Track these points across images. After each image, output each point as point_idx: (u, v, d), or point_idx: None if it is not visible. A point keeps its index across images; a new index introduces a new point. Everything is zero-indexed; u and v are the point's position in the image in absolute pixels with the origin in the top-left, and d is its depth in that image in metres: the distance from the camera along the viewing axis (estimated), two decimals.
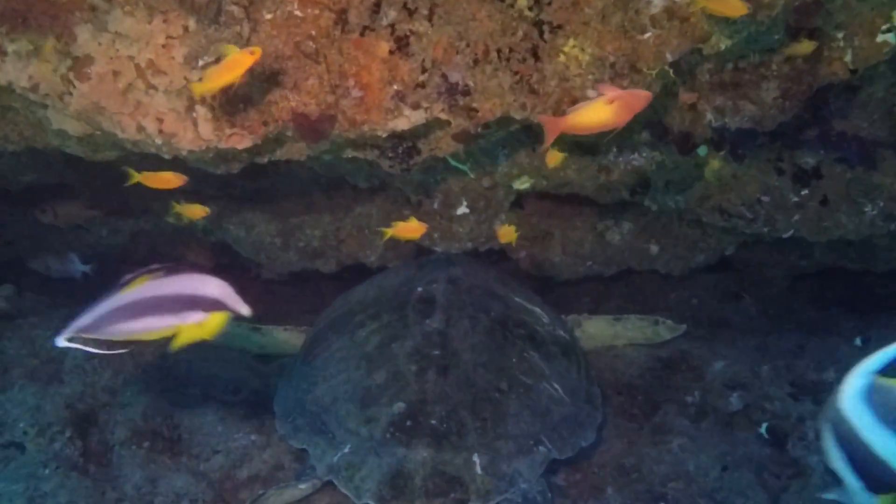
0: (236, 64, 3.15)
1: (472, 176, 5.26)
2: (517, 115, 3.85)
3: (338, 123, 3.67)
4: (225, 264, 7.72)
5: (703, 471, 5.05)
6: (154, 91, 3.47)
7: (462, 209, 5.54)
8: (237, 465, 4.98)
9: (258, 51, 3.14)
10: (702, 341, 6.01)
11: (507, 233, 5.06)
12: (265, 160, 4.15)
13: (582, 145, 4.99)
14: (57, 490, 4.72)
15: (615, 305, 6.75)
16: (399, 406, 4.53)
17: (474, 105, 3.76)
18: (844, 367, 5.48)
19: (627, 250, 6.09)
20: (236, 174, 4.98)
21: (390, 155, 4.16)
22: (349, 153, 4.26)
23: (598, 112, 3.20)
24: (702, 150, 4.86)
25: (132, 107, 3.48)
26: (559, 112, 3.72)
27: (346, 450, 4.52)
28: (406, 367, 4.70)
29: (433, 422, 4.44)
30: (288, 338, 5.87)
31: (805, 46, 4.23)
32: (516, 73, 3.41)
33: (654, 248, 6.06)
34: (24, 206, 7.49)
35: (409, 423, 4.45)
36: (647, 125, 4.59)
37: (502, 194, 5.50)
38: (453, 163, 5.12)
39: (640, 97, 3.18)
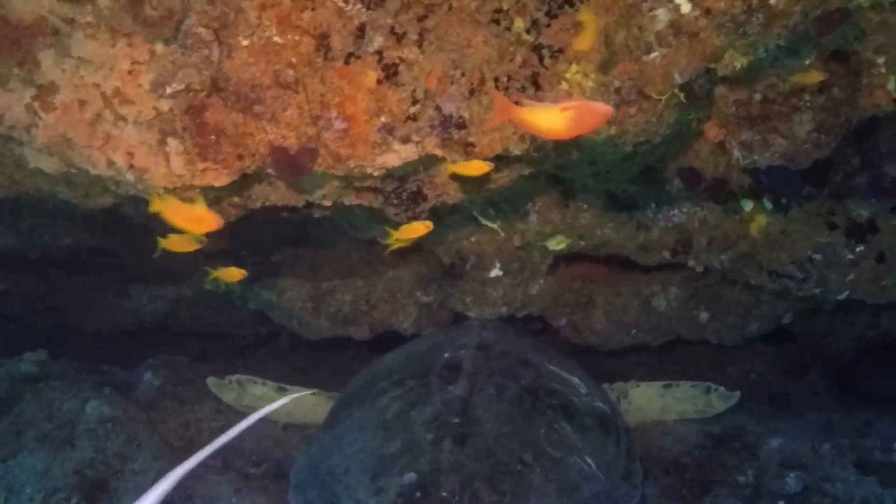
0: None
1: (501, 233, 4.97)
2: (517, 150, 3.55)
3: (320, 158, 3.42)
4: (265, 334, 7.58)
5: None
6: (123, 122, 3.28)
7: (495, 271, 5.26)
8: None
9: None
10: (758, 417, 5.56)
11: None
12: (257, 205, 3.90)
13: (618, 200, 4.69)
14: None
15: (668, 378, 6.33)
16: (410, 476, 4.19)
17: (471, 139, 3.48)
18: None
19: (675, 318, 5.69)
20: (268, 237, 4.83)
21: (395, 202, 3.89)
22: (350, 199, 4.00)
23: (550, 117, 2.93)
24: (745, 204, 4.50)
25: (101, 140, 3.30)
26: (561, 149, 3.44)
27: None
28: (422, 436, 4.39)
29: (444, 494, 4.07)
30: (316, 403, 5.59)
31: (812, 76, 3.83)
32: (516, 103, 3.12)
33: (705, 316, 5.65)
34: (67, 271, 7.47)
35: (418, 494, 4.10)
36: (678, 172, 4.24)
37: (538, 256, 5.20)
38: (482, 219, 4.86)
39: (597, 111, 2.88)
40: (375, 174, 3.57)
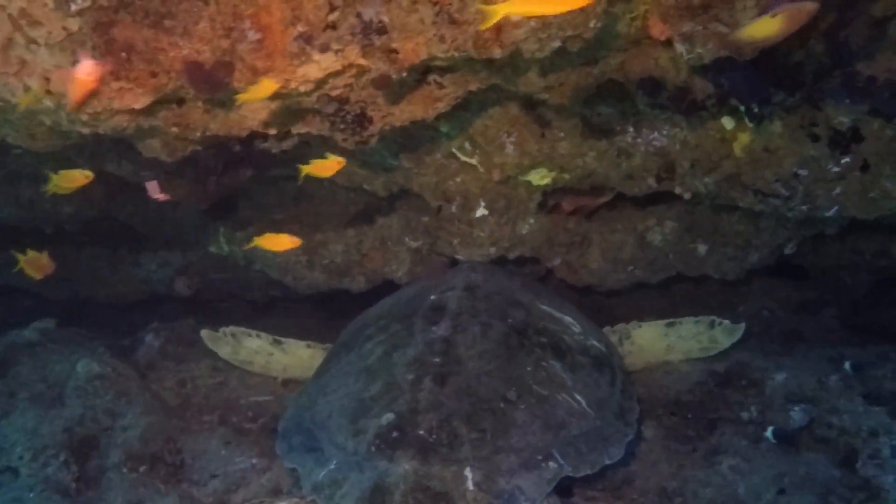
0: None
1: (480, 168, 4.83)
2: (439, 52, 3.39)
3: (238, 73, 3.30)
4: (276, 297, 7.52)
5: (754, 494, 4.41)
6: (36, 46, 3.18)
7: (481, 211, 5.13)
8: (232, 490, 4.67)
9: None
10: (764, 353, 5.35)
11: None
12: (197, 135, 3.78)
13: (594, 127, 4.51)
14: None
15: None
16: (388, 417, 4.13)
17: (393, 45, 3.33)
18: None
19: (672, 252, 5.47)
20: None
21: (341, 126, 3.76)
22: (297, 127, 3.88)
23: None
24: (727, 123, 4.29)
25: (16, 65, 3.20)
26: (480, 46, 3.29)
27: (332, 466, 4.16)
28: (402, 377, 4.33)
29: (421, 433, 4.01)
30: (312, 356, 5.53)
31: None
32: (436, 3, 2.95)
33: (703, 249, 5.42)
34: (77, 244, 7.49)
35: (395, 434, 4.04)
36: (638, 84, 4.03)
37: (524, 193, 5.04)
38: (460, 156, 4.74)
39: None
40: (301, 89, 3.43)
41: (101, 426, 5.01)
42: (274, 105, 3.74)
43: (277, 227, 6.08)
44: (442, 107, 3.83)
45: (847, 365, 5.01)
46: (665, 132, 4.50)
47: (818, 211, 4.46)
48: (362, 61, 3.40)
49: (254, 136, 3.99)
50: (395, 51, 3.36)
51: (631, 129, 4.57)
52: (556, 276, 5.72)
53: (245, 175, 5.57)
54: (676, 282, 6.15)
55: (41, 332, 6.19)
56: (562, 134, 4.68)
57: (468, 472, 3.90)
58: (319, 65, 3.34)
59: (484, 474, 3.91)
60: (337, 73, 3.48)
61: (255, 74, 3.35)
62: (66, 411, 5.06)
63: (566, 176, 4.88)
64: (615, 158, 4.67)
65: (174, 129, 3.74)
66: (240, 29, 3.22)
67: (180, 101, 3.56)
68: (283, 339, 5.70)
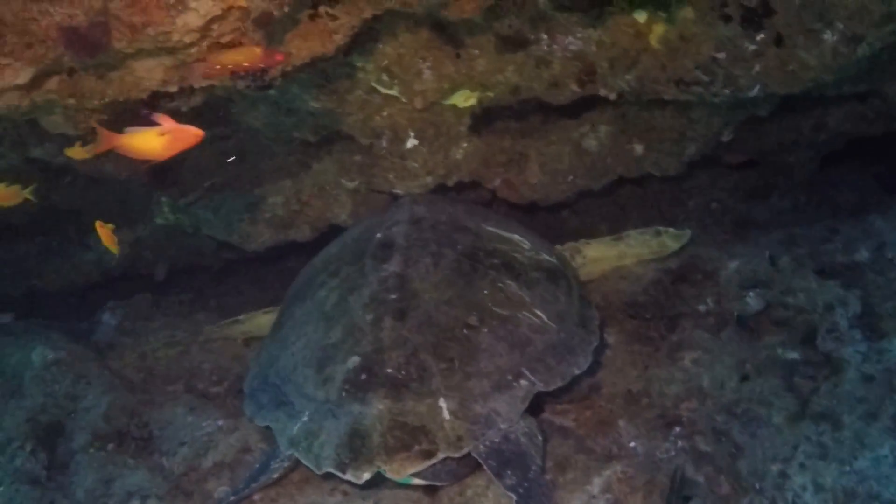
0: None
1: (402, 98, 4.75)
2: None
3: (117, 32, 3.19)
4: (232, 260, 7.44)
5: (718, 384, 4.46)
6: None
7: (411, 142, 5.05)
8: (201, 454, 4.66)
9: None
10: (716, 245, 5.36)
11: None
12: (95, 103, 3.69)
13: (508, 40, 4.43)
14: None
15: (632, 225, 6.14)
16: (354, 360, 4.10)
17: None
18: (880, 245, 4.95)
19: (609, 155, 5.41)
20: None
21: (241, 74, 3.67)
22: (198, 81, 3.78)
23: (150, 141, 3.45)
24: (639, 15, 4.22)
25: None
26: None
27: (305, 418, 4.13)
28: (361, 319, 4.28)
29: (389, 370, 4.00)
30: (271, 320, 5.48)
31: None
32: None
33: (639, 148, 5.35)
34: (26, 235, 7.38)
35: (363, 376, 4.01)
36: None
37: (453, 118, 4.96)
38: (380, 88, 4.66)
39: (191, 134, 3.46)
40: (186, 39, 3.34)
41: (65, 411, 4.98)
42: (167, 61, 3.64)
43: (220, 189, 6.03)
44: (340, 39, 3.73)
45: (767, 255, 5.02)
46: (579, 35, 4.42)
47: (742, 92, 4.41)
48: (242, 2, 3.30)
49: (158, 96, 3.89)
50: None
51: (545, 36, 4.46)
52: (499, 198, 5.68)
53: None
54: (621, 186, 6.13)
55: None
56: (477, 51, 4.58)
57: (442, 403, 3.91)
58: (198, 12, 3.23)
59: (458, 402, 3.92)
60: (220, 18, 3.37)
61: (134, 31, 3.22)
62: (27, 401, 5.04)
63: (490, 94, 4.80)
64: (534, 69, 4.58)
65: (71, 101, 3.63)
66: None
67: (71, 71, 3.45)
68: (239, 317, 5.74)
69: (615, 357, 4.91)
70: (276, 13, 3.46)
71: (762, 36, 4.14)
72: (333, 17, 3.87)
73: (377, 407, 3.87)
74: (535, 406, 4.57)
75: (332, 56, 3.87)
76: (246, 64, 4.02)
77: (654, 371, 4.67)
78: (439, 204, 5.12)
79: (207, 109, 4.49)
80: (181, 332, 5.86)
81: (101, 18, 3.14)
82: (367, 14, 3.95)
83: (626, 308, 5.10)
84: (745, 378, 4.45)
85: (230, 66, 4.04)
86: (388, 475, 3.78)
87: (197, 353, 5.65)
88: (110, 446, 4.74)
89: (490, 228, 4.90)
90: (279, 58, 4.11)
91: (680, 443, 4.23)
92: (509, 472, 3.83)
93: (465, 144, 5.18)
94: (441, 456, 3.79)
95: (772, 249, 5.11)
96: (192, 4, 3.20)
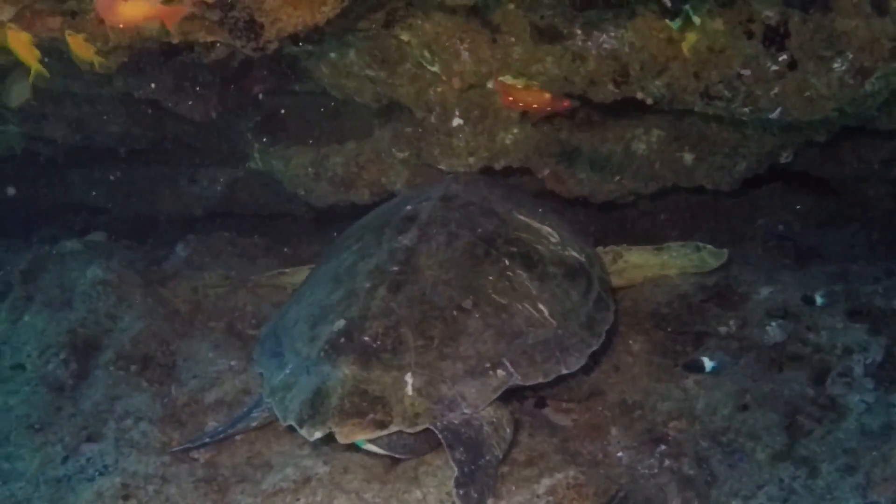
0: None
1: (443, 77, 4.79)
2: None
3: None
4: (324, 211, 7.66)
5: (711, 409, 4.32)
6: None
7: (457, 120, 5.06)
8: (206, 388, 4.86)
9: None
10: (763, 268, 5.14)
11: None
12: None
13: (544, 32, 4.37)
14: (20, 404, 4.83)
15: (701, 234, 5.99)
16: (339, 323, 4.19)
17: None
18: None
19: (658, 161, 5.26)
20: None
21: (237, 34, 3.75)
22: (204, 37, 3.90)
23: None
24: (674, 24, 4.07)
25: None
26: None
27: (287, 371, 4.27)
28: (360, 285, 4.36)
29: (366, 338, 4.06)
30: None
31: None
32: None
33: (689, 158, 5.19)
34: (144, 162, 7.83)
35: (342, 340, 4.10)
36: None
37: (499, 101, 4.94)
38: (424, 63, 4.70)
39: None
40: None
41: (103, 328, 5.30)
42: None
43: (316, 143, 6.23)
44: (328, 10, 3.77)
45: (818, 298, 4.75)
46: (612, 34, 4.31)
47: (761, 112, 4.21)
48: None
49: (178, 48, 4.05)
50: None
51: (579, 31, 4.38)
52: (546, 188, 5.62)
53: (253, 89, 5.72)
54: (696, 195, 5.98)
55: (86, 244, 6.53)
56: (513, 39, 4.55)
57: (408, 378, 3.94)
58: None
59: (426, 380, 3.94)
60: None
61: None
62: (72, 314, 5.38)
63: (535, 83, 4.76)
64: (571, 63, 4.51)
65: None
66: None
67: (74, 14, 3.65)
68: (286, 270, 5.93)
69: (634, 365, 4.83)
70: None
71: (784, 57, 3.93)
72: None
73: (343, 371, 3.95)
74: (539, 400, 4.60)
75: (322, 26, 3.90)
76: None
77: (654, 385, 4.58)
78: (479, 185, 5.13)
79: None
80: (234, 274, 6.08)
81: None
82: None
83: (651, 318, 5.00)
84: (744, 408, 4.29)
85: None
86: (337, 438, 3.84)
87: (244, 295, 5.86)
88: (133, 367, 5.01)
89: (520, 217, 4.87)
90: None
91: (666, 462, 4.16)
92: (462, 450, 3.85)
93: (515, 130, 5.16)
94: (394, 428, 3.84)
95: (818, 282, 4.89)
96: None
